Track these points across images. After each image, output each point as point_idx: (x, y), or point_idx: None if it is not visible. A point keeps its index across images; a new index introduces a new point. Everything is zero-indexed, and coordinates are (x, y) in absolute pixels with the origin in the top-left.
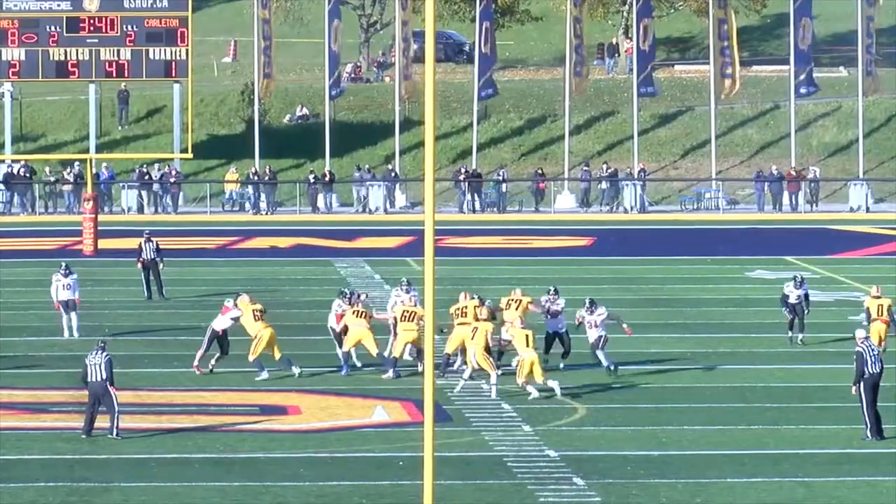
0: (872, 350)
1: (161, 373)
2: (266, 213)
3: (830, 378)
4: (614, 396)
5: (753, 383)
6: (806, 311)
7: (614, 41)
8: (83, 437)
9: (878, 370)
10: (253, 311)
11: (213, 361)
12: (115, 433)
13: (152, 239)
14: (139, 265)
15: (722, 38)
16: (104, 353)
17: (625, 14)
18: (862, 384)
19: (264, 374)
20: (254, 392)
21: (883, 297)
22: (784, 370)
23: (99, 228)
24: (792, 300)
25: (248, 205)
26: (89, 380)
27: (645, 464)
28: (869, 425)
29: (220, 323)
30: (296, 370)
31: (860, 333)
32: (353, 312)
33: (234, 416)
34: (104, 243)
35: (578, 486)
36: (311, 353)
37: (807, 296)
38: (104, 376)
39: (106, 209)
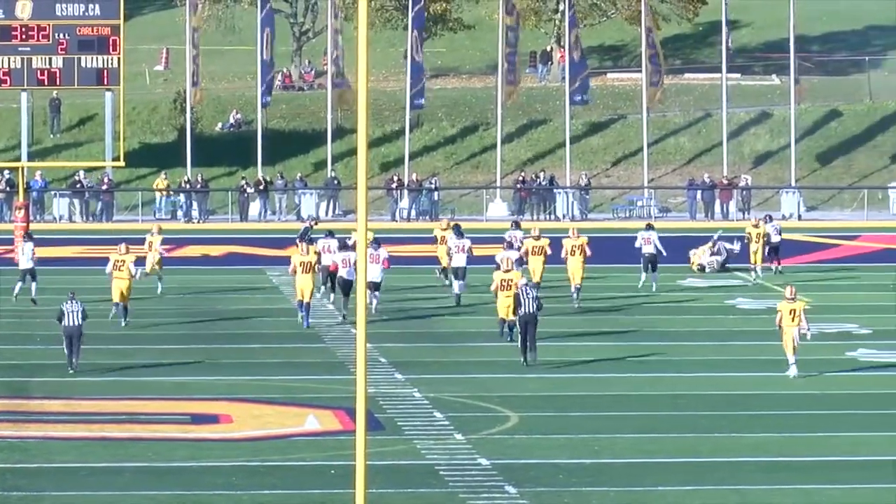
0: (528, 294)
1: (93, 382)
2: (198, 222)
3: (763, 386)
4: (547, 404)
5: (686, 391)
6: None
7: (548, 48)
8: (71, 371)
9: (532, 311)
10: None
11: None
12: (74, 367)
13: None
14: None
15: (651, 47)
16: (77, 302)
17: (557, 22)
18: (518, 320)
19: None
20: (185, 401)
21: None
22: (716, 378)
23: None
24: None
25: (180, 213)
26: (65, 323)
27: (578, 472)
28: (522, 353)
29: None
30: None
31: (522, 281)
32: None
33: (165, 425)
34: (36, 252)
35: (510, 494)
36: (245, 361)
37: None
38: (79, 322)
39: (38, 218)
